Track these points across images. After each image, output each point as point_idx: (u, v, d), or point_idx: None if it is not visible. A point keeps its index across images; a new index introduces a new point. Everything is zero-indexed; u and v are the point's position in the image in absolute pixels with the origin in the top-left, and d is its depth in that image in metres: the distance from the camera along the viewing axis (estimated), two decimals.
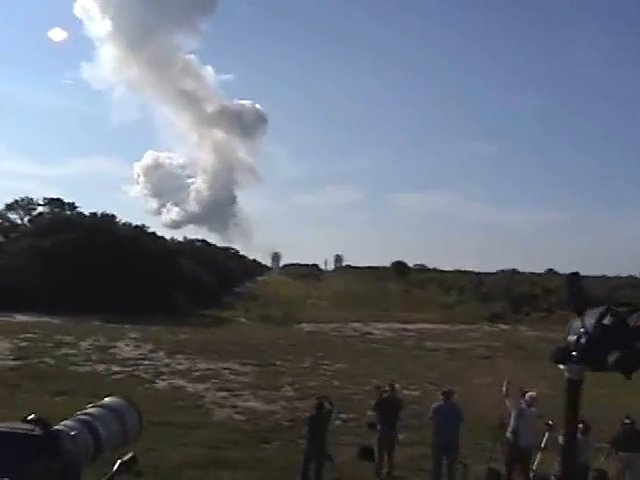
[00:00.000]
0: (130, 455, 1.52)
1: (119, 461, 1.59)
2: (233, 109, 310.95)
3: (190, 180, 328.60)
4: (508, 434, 16.04)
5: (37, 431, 1.29)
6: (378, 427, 17.45)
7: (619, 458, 16.18)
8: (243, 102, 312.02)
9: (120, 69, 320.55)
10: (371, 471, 17.00)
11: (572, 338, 2.79)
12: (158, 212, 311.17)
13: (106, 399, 1.52)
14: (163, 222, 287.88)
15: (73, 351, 35.73)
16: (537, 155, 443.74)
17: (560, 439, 2.83)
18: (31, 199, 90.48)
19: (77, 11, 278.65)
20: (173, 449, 18.14)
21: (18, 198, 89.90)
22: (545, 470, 14.62)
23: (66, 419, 2.11)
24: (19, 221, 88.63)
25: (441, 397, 17.01)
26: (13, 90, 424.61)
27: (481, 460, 17.31)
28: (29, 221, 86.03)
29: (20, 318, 50.26)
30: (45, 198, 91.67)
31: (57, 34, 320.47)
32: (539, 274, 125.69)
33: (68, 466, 1.43)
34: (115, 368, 31.43)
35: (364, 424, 18.90)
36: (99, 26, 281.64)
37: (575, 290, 2.81)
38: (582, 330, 2.74)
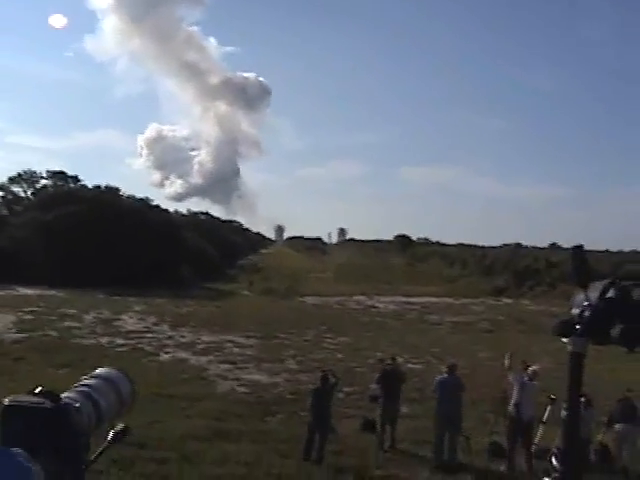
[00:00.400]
0: (122, 426, 1.53)
1: (112, 432, 1.59)
2: (237, 81, 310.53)
3: (193, 153, 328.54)
4: (510, 407, 16.07)
5: (47, 404, 1.30)
6: (380, 400, 17.49)
7: (615, 431, 16.24)
8: (247, 74, 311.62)
9: (123, 41, 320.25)
10: (374, 443, 17.04)
11: (576, 311, 2.78)
12: (161, 185, 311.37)
13: (99, 370, 1.52)
14: (166, 194, 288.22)
15: (77, 324, 35.82)
16: (543, 130, 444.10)
17: (562, 413, 2.82)
18: (34, 172, 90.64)
19: None
20: (177, 421, 18.19)
21: (22, 171, 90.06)
22: (547, 443, 14.64)
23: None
24: (23, 194, 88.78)
25: (445, 370, 17.03)
26: (16, 64, 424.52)
27: (483, 433, 17.38)
28: (33, 194, 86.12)
29: (24, 291, 50.43)
30: (48, 171, 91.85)
31: (58, 20, 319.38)
32: (542, 248, 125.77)
33: (78, 438, 1.44)
34: (119, 341, 31.52)
35: (367, 397, 18.94)
36: None
37: (579, 263, 2.80)
38: (586, 303, 2.73)
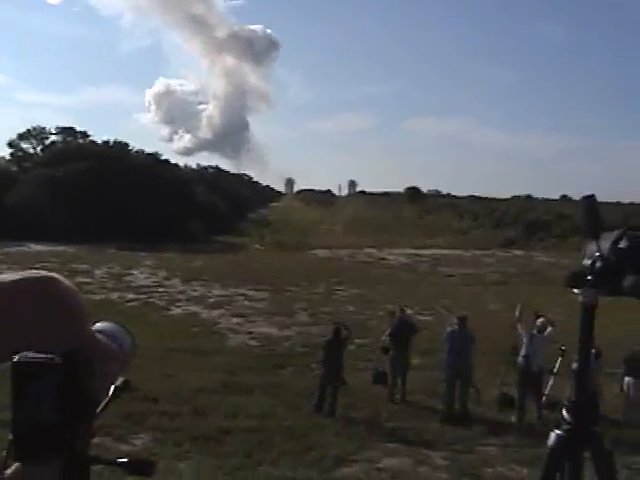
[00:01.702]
0: (122, 380, 1.51)
1: (113, 386, 1.57)
2: (244, 34, 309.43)
3: (202, 107, 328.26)
4: (520, 359, 16.09)
5: (57, 360, 1.27)
6: (391, 352, 17.54)
7: (626, 383, 16.25)
8: (254, 27, 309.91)
9: None
10: (385, 395, 17.12)
11: (587, 262, 2.73)
12: (170, 139, 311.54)
13: (99, 324, 1.49)
14: (175, 149, 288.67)
15: (88, 279, 35.92)
16: (554, 80, 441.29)
17: (573, 364, 2.80)
18: (43, 128, 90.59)
19: None
20: (189, 375, 18.26)
21: (30, 127, 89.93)
22: (557, 395, 14.68)
23: None
24: (32, 150, 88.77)
25: (455, 322, 17.04)
26: (22, 19, 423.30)
27: (493, 385, 17.39)
28: (42, 150, 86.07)
29: (35, 247, 50.59)
30: (57, 127, 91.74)
31: None
32: (553, 200, 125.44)
33: (90, 393, 1.44)
34: (130, 295, 31.64)
35: (378, 349, 18.97)
36: None
37: (590, 213, 2.75)
38: (597, 254, 2.68)
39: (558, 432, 2.98)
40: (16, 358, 1.24)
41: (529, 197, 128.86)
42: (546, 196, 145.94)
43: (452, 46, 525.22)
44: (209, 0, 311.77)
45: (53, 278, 1.33)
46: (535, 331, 16.09)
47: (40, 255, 45.35)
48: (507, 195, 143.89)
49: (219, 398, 16.37)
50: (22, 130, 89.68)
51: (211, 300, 31.82)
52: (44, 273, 1.34)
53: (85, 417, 1.35)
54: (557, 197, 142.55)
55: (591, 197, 2.78)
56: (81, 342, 1.35)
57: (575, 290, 2.78)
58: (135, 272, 40.12)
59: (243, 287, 35.48)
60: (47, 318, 1.30)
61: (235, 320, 27.44)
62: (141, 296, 31.74)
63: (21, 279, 1.30)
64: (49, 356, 1.25)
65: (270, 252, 58.63)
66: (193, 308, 29.80)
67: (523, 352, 15.99)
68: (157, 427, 13.74)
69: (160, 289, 34.47)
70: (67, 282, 1.34)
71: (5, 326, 1.27)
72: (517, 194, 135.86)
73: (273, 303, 31.52)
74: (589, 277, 2.69)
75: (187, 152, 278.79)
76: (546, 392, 15.98)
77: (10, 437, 1.27)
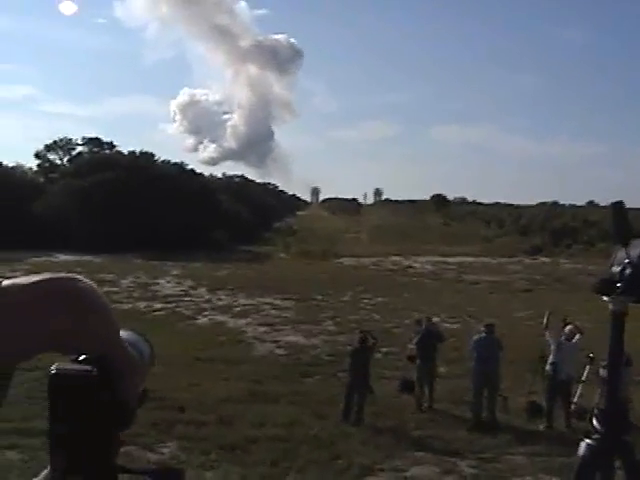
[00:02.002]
0: (142, 389, 1.50)
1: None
2: (268, 44, 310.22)
3: (226, 116, 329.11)
4: (548, 367, 16.01)
5: (94, 371, 1.27)
6: (417, 360, 17.49)
7: None
8: (278, 36, 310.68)
9: (152, 6, 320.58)
10: (412, 404, 17.07)
11: (616, 269, 2.70)
12: (195, 149, 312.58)
13: (121, 332, 1.48)
14: (200, 159, 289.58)
15: (115, 289, 36.01)
16: (578, 86, 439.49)
17: (601, 372, 2.76)
18: (70, 139, 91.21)
19: None
20: (215, 384, 18.31)
21: (57, 139, 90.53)
22: (586, 403, 14.59)
23: None
24: (59, 161, 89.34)
25: (482, 330, 16.98)
26: (49, 32, 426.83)
27: (521, 392, 17.31)
28: (68, 161, 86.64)
29: (62, 257, 50.87)
30: (84, 138, 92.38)
31: (68, 7, 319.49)
32: (580, 206, 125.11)
33: (126, 406, 1.44)
34: (157, 305, 31.72)
35: (405, 357, 18.92)
36: None
37: (619, 220, 2.71)
38: (627, 261, 2.65)
39: (588, 441, 2.95)
40: (53, 370, 1.28)
41: (555, 203, 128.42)
42: (572, 202, 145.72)
43: (475, 53, 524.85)
44: (233, 10, 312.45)
45: (75, 278, 1.33)
46: (563, 338, 16.02)
47: (67, 265, 45.53)
48: (533, 202, 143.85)
49: (245, 407, 16.38)
50: (49, 141, 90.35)
51: (237, 309, 31.84)
52: (66, 274, 1.33)
53: (120, 426, 1.36)
54: (584, 203, 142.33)
55: (620, 203, 2.75)
56: (110, 348, 1.35)
57: (604, 297, 2.75)
58: (161, 281, 40.24)
59: (269, 296, 35.49)
60: (70, 318, 1.29)
61: (261, 329, 27.43)
62: (168, 305, 31.82)
63: (42, 279, 1.30)
64: (85, 367, 1.25)
65: (296, 261, 58.63)
66: (219, 317, 29.83)
67: (551, 360, 15.92)
68: (184, 436, 13.76)
69: (186, 298, 34.52)
70: (90, 283, 1.33)
71: (28, 326, 1.26)
72: (543, 201, 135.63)
73: (299, 312, 31.49)
74: (618, 284, 2.66)
75: (212, 162, 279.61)
76: (575, 400, 15.88)
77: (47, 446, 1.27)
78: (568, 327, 16.39)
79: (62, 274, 1.32)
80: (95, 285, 1.34)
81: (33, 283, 1.28)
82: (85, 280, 1.33)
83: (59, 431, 1.29)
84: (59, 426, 1.28)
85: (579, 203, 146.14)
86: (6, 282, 1.29)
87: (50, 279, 1.29)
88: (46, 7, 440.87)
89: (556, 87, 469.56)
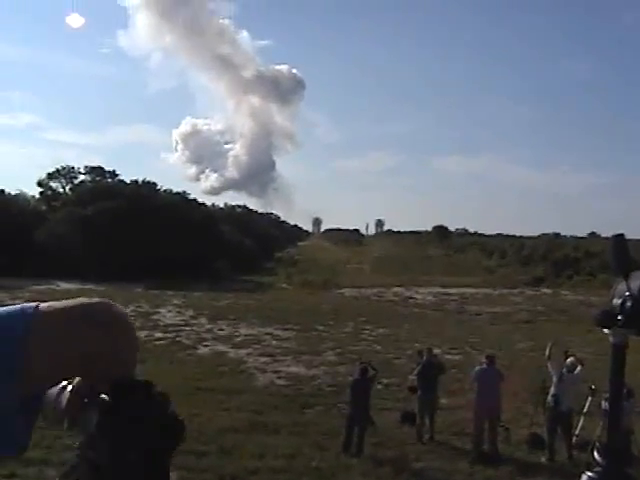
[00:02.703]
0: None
1: None
2: (270, 74, 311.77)
3: (228, 146, 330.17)
4: (549, 398, 15.97)
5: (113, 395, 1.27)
6: (419, 392, 17.46)
7: None
8: (280, 67, 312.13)
9: (155, 36, 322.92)
10: (413, 435, 17.01)
11: (617, 302, 2.70)
12: (197, 179, 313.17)
13: None
14: (202, 189, 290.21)
15: None
16: (580, 118, 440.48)
17: (603, 404, 2.76)
18: (72, 168, 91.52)
19: None
20: (216, 414, 18.28)
21: (60, 167, 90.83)
22: (588, 435, 14.54)
23: None
24: (61, 190, 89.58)
25: (484, 361, 16.95)
26: (53, 61, 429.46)
27: (523, 424, 17.29)
28: (71, 189, 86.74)
29: (64, 286, 50.85)
30: (86, 166, 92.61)
31: (75, 20, 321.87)
32: (581, 237, 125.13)
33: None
34: (158, 334, 31.65)
35: (406, 389, 18.89)
36: None
37: (620, 252, 2.72)
38: (627, 294, 2.65)
39: (589, 474, 2.93)
40: (105, 398, 1.30)
41: (557, 235, 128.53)
42: (574, 233, 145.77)
43: (476, 84, 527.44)
44: (235, 41, 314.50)
45: (109, 303, 1.36)
46: (565, 370, 15.96)
47: (69, 293, 45.45)
48: (535, 233, 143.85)
49: (246, 437, 16.33)
50: (51, 169, 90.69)
51: (238, 339, 31.77)
52: (100, 299, 1.37)
53: (172, 444, 1.35)
54: (585, 234, 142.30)
55: (621, 236, 2.76)
56: (132, 372, 1.37)
57: (605, 330, 2.75)
58: (163, 311, 40.18)
59: (270, 326, 35.44)
60: (103, 342, 1.32)
61: (262, 359, 27.37)
62: (168, 335, 31.73)
63: (78, 303, 1.34)
64: (129, 392, 1.30)
65: (297, 291, 58.59)
66: (220, 347, 29.76)
67: (552, 391, 15.87)
68: (183, 466, 13.66)
69: (187, 328, 34.46)
70: (122, 308, 1.37)
71: (62, 348, 1.30)
72: (545, 232, 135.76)
73: (301, 342, 31.41)
74: (619, 317, 2.66)
75: (214, 191, 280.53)
76: (576, 432, 15.82)
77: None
78: (569, 359, 16.35)
79: (96, 299, 1.36)
80: (126, 312, 1.39)
81: (70, 307, 1.33)
82: (118, 305, 1.37)
83: (108, 458, 1.28)
84: (105, 452, 1.28)
85: (580, 234, 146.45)
86: (43, 305, 1.34)
87: (86, 304, 1.34)
88: (51, 36, 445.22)
89: (557, 118, 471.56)
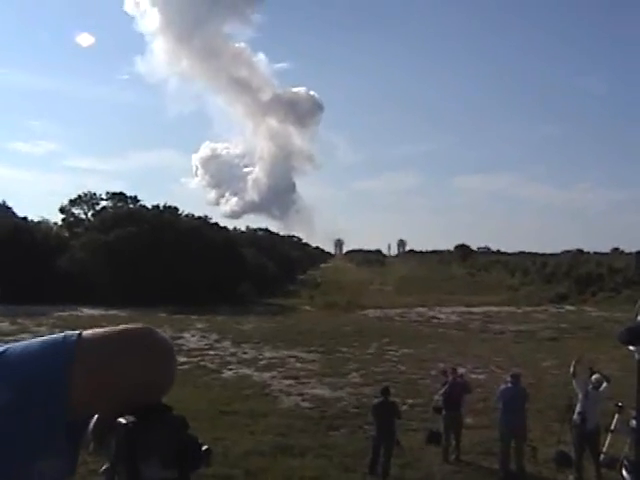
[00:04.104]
0: (205, 447, 1.48)
1: None
2: (288, 97, 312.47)
3: (247, 169, 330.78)
4: (575, 416, 15.84)
5: (130, 419, 1.33)
6: (443, 412, 17.38)
7: None
8: (297, 89, 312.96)
9: (172, 61, 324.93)
10: (439, 456, 16.92)
11: None
12: (217, 203, 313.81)
13: None
14: (222, 212, 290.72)
15: None
16: (601, 134, 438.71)
17: (632, 422, 2.75)
18: (94, 194, 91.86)
19: (127, 7, 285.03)
20: (241, 437, 18.22)
21: (81, 193, 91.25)
22: (616, 453, 14.41)
23: None
24: (83, 216, 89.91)
25: (509, 380, 16.85)
26: (71, 88, 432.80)
27: (550, 443, 17.13)
28: (93, 215, 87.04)
29: (87, 312, 50.89)
30: (108, 192, 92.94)
31: (85, 39, 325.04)
32: (605, 254, 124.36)
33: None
34: (182, 359, 31.57)
35: (431, 409, 18.81)
36: (149, 20, 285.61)
37: None
38: None
39: None
40: (123, 422, 1.33)
41: (580, 251, 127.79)
42: (597, 249, 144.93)
43: (495, 102, 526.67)
44: (252, 64, 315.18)
45: (151, 330, 1.41)
46: (590, 387, 15.85)
47: (92, 319, 45.56)
48: (557, 250, 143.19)
49: (271, 461, 16.30)
50: (73, 196, 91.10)
51: (262, 362, 31.72)
52: (141, 325, 1.42)
53: (195, 466, 1.39)
54: (608, 250, 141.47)
55: None
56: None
57: (631, 347, 2.75)
58: (186, 335, 40.15)
59: (294, 349, 35.36)
60: (147, 371, 1.37)
61: (287, 382, 27.31)
62: (193, 359, 31.68)
63: (122, 330, 1.39)
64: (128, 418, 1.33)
65: (321, 313, 58.48)
66: (244, 370, 29.72)
67: (578, 409, 15.75)
68: None
69: (211, 352, 34.44)
70: (163, 334, 1.42)
71: (109, 376, 1.34)
72: (567, 249, 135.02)
73: (325, 364, 31.33)
74: None
75: (234, 215, 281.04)
76: (604, 450, 15.68)
77: None
78: (595, 375, 16.24)
79: (139, 325, 1.42)
80: (169, 339, 1.44)
81: (112, 334, 1.39)
82: (159, 332, 1.42)
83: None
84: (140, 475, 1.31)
85: (604, 250, 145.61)
86: (86, 332, 1.39)
87: (128, 331, 1.39)
88: (69, 64, 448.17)
89: (578, 135, 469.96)
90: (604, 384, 15.97)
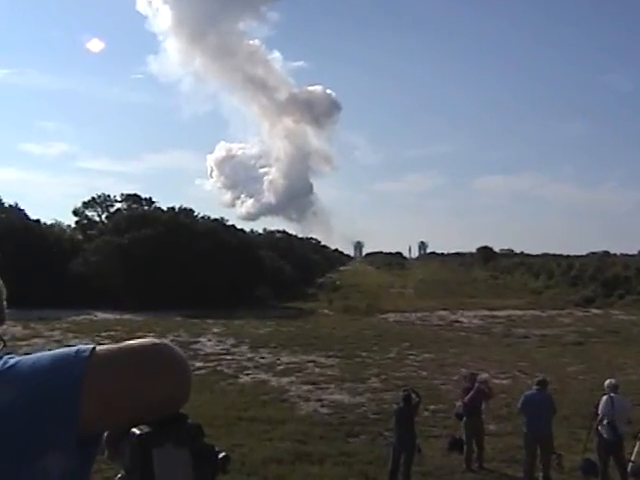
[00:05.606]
0: (223, 454, 1.47)
1: None
2: (304, 96, 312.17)
3: (263, 170, 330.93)
4: (601, 425, 15.36)
5: (144, 429, 1.37)
6: (465, 418, 17.00)
7: None
8: (314, 88, 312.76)
9: (186, 61, 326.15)
10: (462, 463, 16.55)
11: None
12: (232, 204, 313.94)
13: None
14: (238, 214, 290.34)
15: None
16: (626, 132, 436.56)
17: None
18: (108, 196, 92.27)
19: (140, 6, 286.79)
20: (258, 444, 18.09)
21: (95, 195, 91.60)
22: None
23: None
24: (97, 218, 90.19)
25: (534, 386, 16.40)
26: (84, 88, 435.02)
27: (576, 450, 16.73)
28: (107, 218, 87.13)
29: (102, 316, 50.95)
30: (122, 194, 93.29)
31: (95, 45, 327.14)
32: (632, 255, 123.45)
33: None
34: (198, 364, 31.30)
35: (453, 415, 18.43)
36: (161, 19, 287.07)
37: None
38: None
39: None
40: (137, 432, 1.35)
41: (606, 253, 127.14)
42: (624, 251, 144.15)
43: (517, 101, 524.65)
44: (267, 62, 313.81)
45: (166, 346, 1.46)
46: (611, 394, 15.35)
47: (107, 323, 45.60)
48: (583, 252, 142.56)
49: (290, 468, 16.18)
50: (87, 198, 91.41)
51: (280, 367, 31.45)
52: (155, 340, 1.46)
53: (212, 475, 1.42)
54: (636, 252, 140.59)
55: None
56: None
57: None
58: (203, 340, 39.95)
59: (313, 353, 35.10)
60: (161, 387, 1.39)
61: (305, 387, 27.04)
62: (209, 364, 31.45)
63: (135, 345, 1.42)
64: (161, 425, 1.36)
65: (340, 317, 58.16)
66: (262, 376, 29.46)
67: (606, 418, 15.26)
68: None
69: (228, 357, 34.21)
70: (178, 351, 1.48)
71: (118, 394, 1.36)
72: (593, 250, 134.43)
73: (344, 369, 31.01)
74: None
75: (250, 217, 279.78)
76: (632, 458, 15.21)
77: None
78: (608, 380, 15.79)
79: (153, 341, 1.46)
80: (183, 354, 1.48)
81: (126, 350, 1.42)
82: (175, 347, 1.48)
83: None
84: None
85: (631, 252, 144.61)
86: (100, 348, 1.43)
87: (142, 347, 1.43)
88: (81, 64, 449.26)
89: (603, 133, 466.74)
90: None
